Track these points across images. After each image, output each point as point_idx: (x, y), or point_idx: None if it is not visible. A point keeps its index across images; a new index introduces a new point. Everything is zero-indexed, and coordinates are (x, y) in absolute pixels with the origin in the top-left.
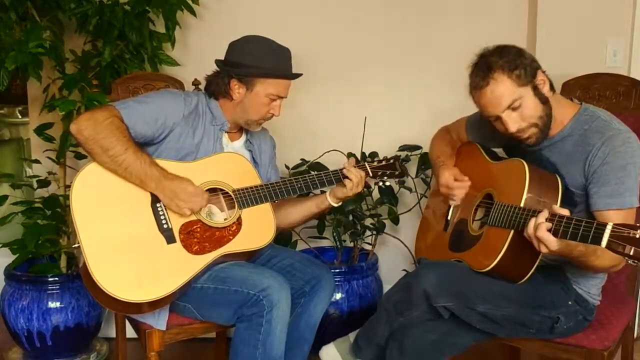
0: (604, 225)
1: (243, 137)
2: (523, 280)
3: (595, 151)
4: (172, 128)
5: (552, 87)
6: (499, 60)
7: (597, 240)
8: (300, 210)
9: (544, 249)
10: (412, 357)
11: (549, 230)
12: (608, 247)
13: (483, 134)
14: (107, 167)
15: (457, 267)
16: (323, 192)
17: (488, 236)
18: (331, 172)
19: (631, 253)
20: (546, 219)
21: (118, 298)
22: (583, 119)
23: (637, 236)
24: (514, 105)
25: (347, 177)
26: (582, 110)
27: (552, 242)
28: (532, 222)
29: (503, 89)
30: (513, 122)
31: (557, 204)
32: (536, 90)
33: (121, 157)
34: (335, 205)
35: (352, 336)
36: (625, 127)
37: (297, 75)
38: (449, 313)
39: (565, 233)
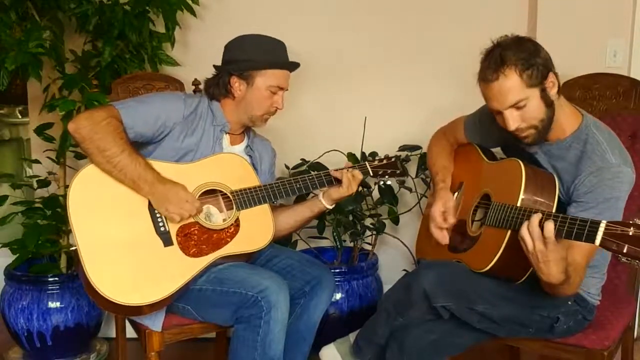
0: (598, 222)
1: (244, 142)
2: (522, 280)
3: (583, 178)
4: (172, 128)
5: (559, 89)
6: (513, 56)
7: (591, 238)
8: (292, 216)
9: (539, 247)
10: (412, 357)
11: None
12: (602, 244)
13: (481, 134)
14: (102, 168)
15: (457, 267)
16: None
17: (486, 236)
18: (330, 171)
19: (625, 251)
20: (543, 218)
21: (115, 301)
22: (583, 137)
23: (631, 234)
24: (519, 105)
25: (337, 179)
26: (584, 126)
27: (553, 240)
28: (526, 224)
29: (511, 86)
30: (513, 121)
31: (554, 203)
32: (543, 92)
33: (116, 159)
34: (330, 207)
35: (352, 337)
36: (620, 158)
37: (296, 65)
38: (448, 313)
39: (561, 231)
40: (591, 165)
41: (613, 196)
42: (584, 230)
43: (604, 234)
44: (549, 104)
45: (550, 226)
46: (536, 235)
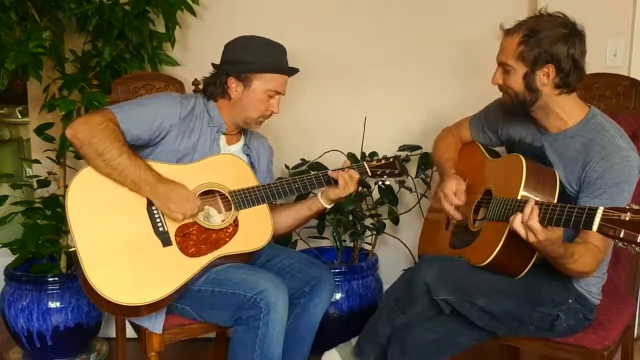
0: (595, 209)
1: (241, 142)
2: (522, 275)
3: (593, 164)
4: (169, 130)
5: (563, 88)
6: (532, 25)
7: (589, 225)
8: (291, 215)
9: (531, 238)
10: (413, 356)
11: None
12: (599, 230)
13: (486, 133)
14: (101, 171)
15: (458, 261)
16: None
17: (486, 231)
18: (328, 172)
19: (621, 235)
20: (535, 207)
21: (114, 302)
22: (590, 126)
23: (627, 219)
24: (506, 68)
25: (335, 179)
26: (590, 116)
27: (539, 231)
28: (518, 215)
29: (507, 47)
30: (497, 77)
31: (554, 198)
32: (528, 76)
33: (116, 161)
34: (328, 206)
35: (354, 341)
36: (628, 144)
37: (295, 70)
38: (449, 307)
39: (559, 220)
40: (601, 151)
41: (623, 180)
42: (581, 218)
43: (601, 219)
44: (531, 89)
45: (534, 216)
46: (523, 229)
